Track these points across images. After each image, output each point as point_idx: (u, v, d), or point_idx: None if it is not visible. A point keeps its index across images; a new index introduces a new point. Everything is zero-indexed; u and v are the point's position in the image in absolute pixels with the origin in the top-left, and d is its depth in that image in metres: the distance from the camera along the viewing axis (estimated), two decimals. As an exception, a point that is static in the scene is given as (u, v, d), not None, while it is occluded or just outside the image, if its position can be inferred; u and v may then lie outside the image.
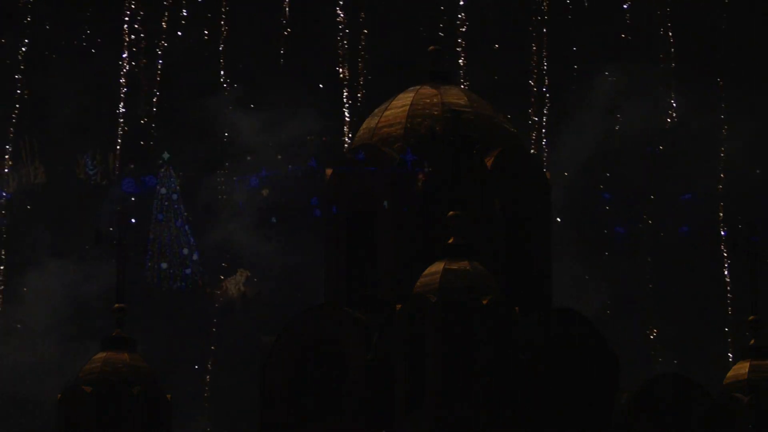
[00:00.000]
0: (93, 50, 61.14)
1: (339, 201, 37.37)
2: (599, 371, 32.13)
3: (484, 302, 30.48)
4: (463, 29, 47.22)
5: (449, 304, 30.42)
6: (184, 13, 56.41)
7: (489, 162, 35.61)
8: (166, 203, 44.53)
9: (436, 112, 36.65)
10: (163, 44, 55.88)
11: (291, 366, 31.90)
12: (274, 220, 52.68)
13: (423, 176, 56.88)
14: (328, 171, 37.56)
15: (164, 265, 44.27)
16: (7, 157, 56.00)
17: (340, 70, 53.58)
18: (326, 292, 35.64)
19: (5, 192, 53.78)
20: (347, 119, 50.64)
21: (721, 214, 43.55)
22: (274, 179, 59.39)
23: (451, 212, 32.45)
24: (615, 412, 31.28)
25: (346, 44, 54.87)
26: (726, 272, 40.38)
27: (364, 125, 38.41)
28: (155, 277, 44.17)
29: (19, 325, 47.47)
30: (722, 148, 47.59)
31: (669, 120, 48.36)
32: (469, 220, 32.78)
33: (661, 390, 31.07)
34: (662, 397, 30.85)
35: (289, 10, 56.95)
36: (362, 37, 53.20)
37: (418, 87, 38.33)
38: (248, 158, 62.91)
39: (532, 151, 42.38)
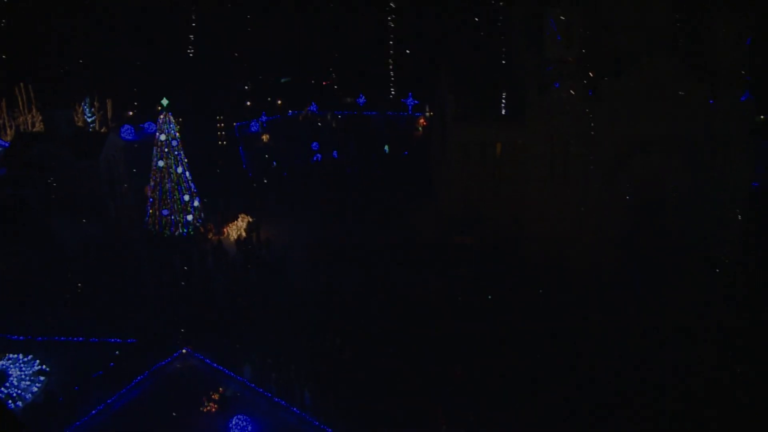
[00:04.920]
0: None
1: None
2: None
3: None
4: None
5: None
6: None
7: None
8: (166, 150, 44.07)
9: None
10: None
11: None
12: (275, 163, 52.60)
13: (424, 120, 56.79)
14: None
15: (166, 212, 43.98)
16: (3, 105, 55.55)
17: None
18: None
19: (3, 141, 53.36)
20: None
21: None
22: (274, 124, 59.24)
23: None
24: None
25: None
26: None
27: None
28: (157, 225, 43.97)
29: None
30: None
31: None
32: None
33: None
34: None
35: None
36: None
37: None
38: (248, 103, 62.58)
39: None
